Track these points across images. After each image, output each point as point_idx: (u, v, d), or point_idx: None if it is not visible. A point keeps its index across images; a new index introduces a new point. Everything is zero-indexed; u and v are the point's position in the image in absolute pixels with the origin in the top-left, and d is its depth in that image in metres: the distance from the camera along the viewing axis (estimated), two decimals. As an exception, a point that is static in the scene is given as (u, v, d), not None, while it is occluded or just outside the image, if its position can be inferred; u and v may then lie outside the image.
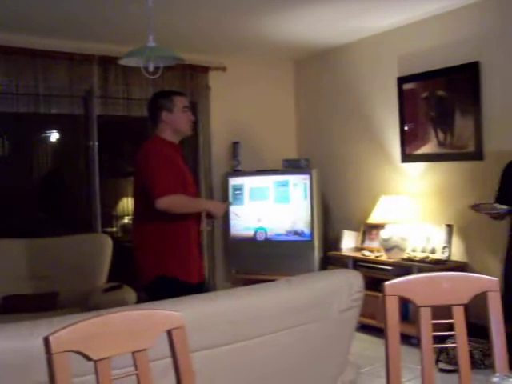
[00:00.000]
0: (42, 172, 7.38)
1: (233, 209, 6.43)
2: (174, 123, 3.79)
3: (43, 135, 7.47)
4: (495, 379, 1.52)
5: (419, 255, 5.42)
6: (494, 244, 4.97)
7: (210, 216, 3.93)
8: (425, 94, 5.59)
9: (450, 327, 1.98)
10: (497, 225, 4.48)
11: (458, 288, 2.01)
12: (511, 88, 4.86)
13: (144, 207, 3.73)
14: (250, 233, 6.48)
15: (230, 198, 6.39)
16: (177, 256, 3.70)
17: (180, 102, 3.83)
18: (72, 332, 1.56)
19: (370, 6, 5.09)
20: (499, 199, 4.28)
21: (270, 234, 6.42)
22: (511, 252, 4.32)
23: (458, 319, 1.97)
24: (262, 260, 6.37)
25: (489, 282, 2.02)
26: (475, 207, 4.34)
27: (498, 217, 4.28)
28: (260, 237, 6.42)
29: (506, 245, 4.35)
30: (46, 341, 1.51)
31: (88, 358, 1.58)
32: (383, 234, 5.61)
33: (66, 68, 5.73)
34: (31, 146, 7.22)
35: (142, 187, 3.72)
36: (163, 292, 3.37)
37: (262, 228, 6.43)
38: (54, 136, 7.58)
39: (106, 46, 5.80)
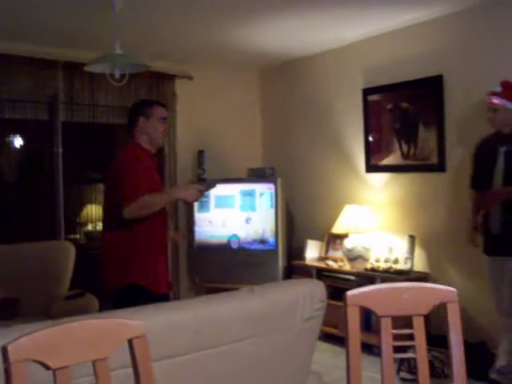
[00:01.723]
0: (5, 177, 7.29)
1: (203, 216, 6.42)
2: (149, 130, 3.78)
3: (7, 140, 7.39)
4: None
5: (382, 265, 5.47)
6: (456, 255, 5.04)
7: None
8: (389, 106, 5.65)
9: (412, 337, 2.00)
10: (458, 237, 4.65)
11: (418, 298, 2.04)
12: (473, 101, 4.94)
13: (114, 215, 3.68)
14: (215, 241, 6.47)
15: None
16: (145, 265, 3.67)
17: (159, 112, 3.82)
18: (31, 340, 1.54)
19: (336, 18, 5.14)
20: (474, 184, 4.48)
21: (233, 242, 6.42)
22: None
23: (418, 329, 1.99)
24: (225, 269, 6.36)
25: (448, 292, 2.05)
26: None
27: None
28: (234, 245, 6.42)
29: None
30: (4, 349, 1.49)
31: (47, 367, 1.56)
32: (347, 243, 5.64)
33: (31, 73, 5.66)
34: (-6, 150, 7.14)
35: (112, 194, 3.71)
36: (130, 301, 3.37)
37: (235, 236, 6.43)
38: (18, 141, 7.50)
39: (71, 52, 5.74)
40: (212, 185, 4.07)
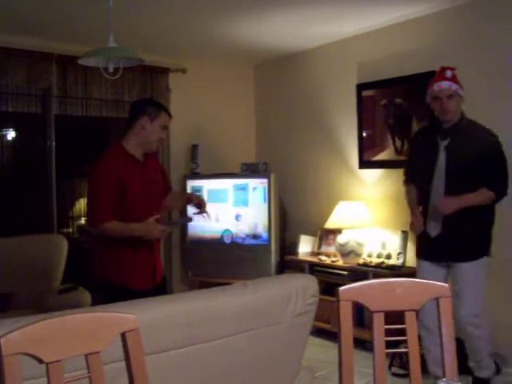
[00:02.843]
0: (-3, 170, 7.27)
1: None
2: (148, 133, 3.69)
3: (-1, 133, 7.37)
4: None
5: (375, 261, 5.48)
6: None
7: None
8: (383, 102, 5.65)
9: (404, 332, 2.01)
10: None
11: (410, 294, 2.04)
12: (470, 98, 4.93)
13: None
14: (208, 235, 6.48)
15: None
16: (121, 262, 3.65)
17: (164, 120, 3.74)
18: (24, 334, 1.54)
19: (330, 13, 5.14)
20: (410, 178, 4.22)
21: (226, 237, 6.43)
22: None
23: (410, 324, 2.00)
24: (218, 263, 6.37)
25: (440, 288, 2.05)
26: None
27: None
28: (227, 239, 6.42)
29: None
30: (-3, 343, 1.49)
31: (40, 361, 1.56)
32: (340, 239, 5.65)
33: (25, 66, 5.65)
34: (-14, 144, 7.12)
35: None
36: (109, 297, 3.38)
37: (228, 231, 6.43)
38: (11, 134, 7.47)
39: (65, 45, 5.73)
40: (178, 224, 4.02)
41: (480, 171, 3.81)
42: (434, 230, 3.95)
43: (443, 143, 3.92)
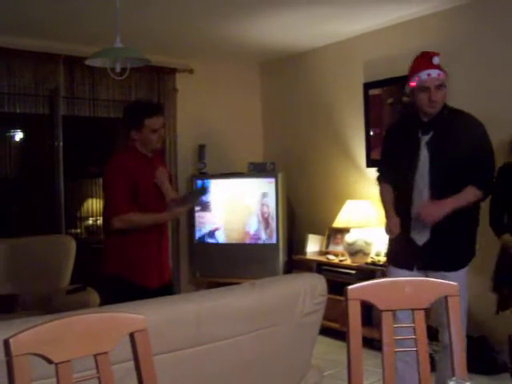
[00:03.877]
0: (5, 172, 7.28)
1: (204, 211, 6.43)
2: (142, 140, 3.76)
3: (7, 134, 7.38)
4: (451, 383, 1.54)
5: (383, 260, 5.47)
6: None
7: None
8: (390, 100, 5.64)
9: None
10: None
11: (419, 292, 2.04)
12: (474, 96, 4.93)
13: (105, 216, 3.83)
14: (215, 236, 6.49)
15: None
16: (132, 258, 3.69)
17: (150, 124, 3.72)
18: (33, 334, 1.54)
19: (337, 12, 5.13)
20: (386, 178, 3.78)
21: (234, 237, 6.43)
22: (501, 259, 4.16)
23: (419, 323, 1.99)
24: (226, 263, 6.37)
25: (449, 286, 2.05)
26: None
27: None
28: (235, 240, 6.43)
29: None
30: (6, 343, 1.49)
31: (49, 361, 1.56)
32: (348, 238, 5.64)
33: (32, 67, 5.67)
34: (-5, 145, 7.13)
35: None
36: (116, 292, 3.43)
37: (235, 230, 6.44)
38: (19, 135, 7.49)
39: (72, 46, 5.74)
40: (196, 194, 4.07)
41: (467, 167, 3.39)
42: (421, 237, 3.46)
43: (424, 138, 3.46)
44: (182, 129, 6.61)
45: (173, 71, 6.58)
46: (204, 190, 4.11)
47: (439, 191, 3.40)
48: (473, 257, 3.54)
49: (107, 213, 3.70)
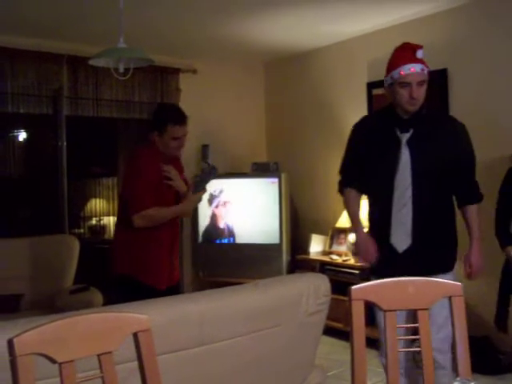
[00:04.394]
0: (9, 171, 7.30)
1: (208, 210, 6.43)
2: (162, 144, 3.78)
3: (11, 135, 7.40)
4: (456, 383, 1.54)
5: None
6: (459, 249, 5.02)
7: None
8: (394, 100, 5.62)
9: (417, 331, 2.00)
10: (462, 229, 4.37)
11: (423, 292, 2.03)
12: (478, 95, 4.93)
13: (123, 208, 3.83)
14: (219, 235, 6.49)
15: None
16: (144, 259, 3.71)
17: (173, 132, 3.75)
18: (37, 334, 1.55)
19: (340, 12, 5.13)
20: (351, 182, 3.44)
21: (237, 236, 6.43)
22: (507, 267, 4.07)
23: (423, 323, 1.99)
24: (229, 263, 6.37)
25: (453, 286, 2.04)
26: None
27: None
28: (238, 240, 6.44)
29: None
30: (10, 343, 1.50)
31: (53, 361, 1.57)
32: (351, 238, 5.64)
33: (35, 67, 5.67)
34: (-2, 145, 7.15)
35: (122, 195, 3.89)
36: (125, 291, 3.44)
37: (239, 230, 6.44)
38: (22, 135, 7.51)
39: (76, 46, 5.75)
40: (206, 176, 4.07)
41: (451, 169, 3.15)
42: (403, 243, 3.16)
43: (405, 136, 3.16)
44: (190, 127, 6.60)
45: (176, 71, 6.59)
46: (214, 170, 4.08)
47: (422, 192, 3.13)
48: (456, 256, 3.30)
49: (130, 210, 3.67)
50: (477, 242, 3.25)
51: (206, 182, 4.01)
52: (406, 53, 3.15)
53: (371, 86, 5.85)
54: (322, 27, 5.63)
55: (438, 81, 5.14)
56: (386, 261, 3.20)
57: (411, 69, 3.06)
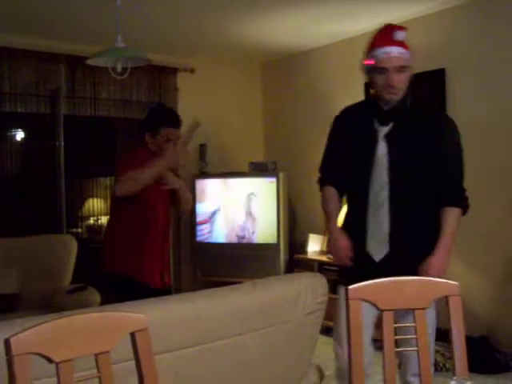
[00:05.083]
0: (6, 171, 7.28)
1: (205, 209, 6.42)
2: (154, 147, 3.79)
3: (8, 134, 7.38)
4: (452, 383, 1.54)
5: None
6: (457, 249, 5.02)
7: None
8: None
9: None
10: (460, 229, 4.27)
11: (420, 292, 2.03)
12: (475, 95, 4.93)
13: (113, 204, 3.91)
14: (217, 235, 6.49)
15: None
16: (133, 256, 3.70)
17: (166, 134, 3.77)
18: (34, 334, 1.54)
19: (338, 12, 5.13)
20: (330, 178, 3.14)
21: (235, 236, 6.43)
22: None
23: (420, 323, 1.99)
24: (227, 262, 6.37)
25: (450, 286, 2.04)
26: None
27: None
28: (236, 238, 6.44)
29: None
30: (7, 343, 1.49)
31: (50, 360, 1.57)
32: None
33: (33, 66, 5.67)
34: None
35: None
36: (116, 289, 3.44)
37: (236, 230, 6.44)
38: (20, 135, 7.49)
39: (73, 46, 5.75)
40: (190, 130, 4.00)
41: (434, 167, 2.85)
42: (379, 250, 2.88)
43: (383, 130, 2.90)
44: (183, 128, 6.58)
45: (174, 70, 6.59)
46: (196, 124, 4.00)
47: (399, 191, 2.84)
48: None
49: (115, 189, 3.65)
50: (444, 243, 2.84)
51: (190, 135, 3.96)
52: (383, 34, 2.85)
53: (369, 86, 5.82)
54: (320, 27, 5.63)
55: (436, 80, 5.15)
56: (359, 270, 2.83)
57: (388, 53, 2.77)
